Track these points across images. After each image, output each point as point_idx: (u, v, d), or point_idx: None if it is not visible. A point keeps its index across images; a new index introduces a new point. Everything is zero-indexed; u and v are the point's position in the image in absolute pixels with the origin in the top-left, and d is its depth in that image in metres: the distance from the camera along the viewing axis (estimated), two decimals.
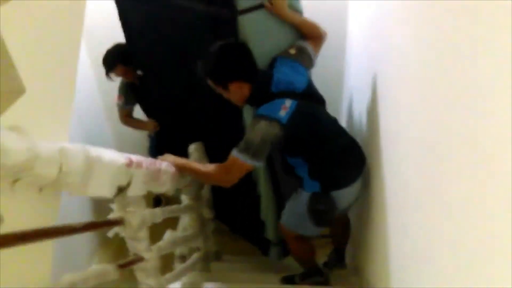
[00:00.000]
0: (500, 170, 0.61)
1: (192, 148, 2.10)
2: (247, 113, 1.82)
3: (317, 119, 1.65)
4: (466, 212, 0.74)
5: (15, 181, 0.78)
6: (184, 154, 1.94)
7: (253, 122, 1.55)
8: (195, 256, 2.07)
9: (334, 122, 1.77)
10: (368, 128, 1.86)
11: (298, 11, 1.83)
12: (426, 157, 0.98)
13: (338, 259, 2.23)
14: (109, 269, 1.09)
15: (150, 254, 1.35)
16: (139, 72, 2.38)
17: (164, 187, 1.52)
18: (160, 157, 1.63)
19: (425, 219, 1.00)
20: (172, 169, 1.57)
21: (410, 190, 1.13)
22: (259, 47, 1.65)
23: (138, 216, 1.25)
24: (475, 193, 0.69)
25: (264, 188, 2.07)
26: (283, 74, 1.64)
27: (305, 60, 1.72)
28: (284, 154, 1.73)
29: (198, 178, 1.77)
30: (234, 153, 1.52)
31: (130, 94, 2.52)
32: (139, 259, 1.32)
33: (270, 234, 2.21)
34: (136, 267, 1.35)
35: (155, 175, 1.40)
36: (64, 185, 0.91)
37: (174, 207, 1.79)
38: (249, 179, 2.12)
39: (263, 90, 1.61)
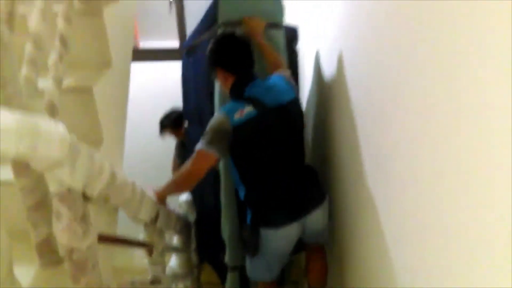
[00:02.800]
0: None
1: (182, 199, 2.44)
2: None
3: (266, 142, 1.61)
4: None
5: (107, 200, 1.12)
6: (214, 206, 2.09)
7: (216, 113, 1.67)
8: None
9: (290, 151, 1.69)
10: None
11: (277, 45, 1.96)
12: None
13: None
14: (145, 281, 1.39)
15: (166, 278, 1.65)
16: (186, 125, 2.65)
17: (172, 226, 1.84)
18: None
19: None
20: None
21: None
22: None
23: (163, 243, 1.57)
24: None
25: (224, 198, 2.01)
26: (267, 82, 1.70)
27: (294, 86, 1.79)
28: (231, 159, 1.69)
29: (178, 186, 1.68)
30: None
31: (181, 150, 2.94)
32: (158, 280, 1.61)
33: (226, 256, 2.08)
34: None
35: (169, 213, 1.73)
36: (128, 207, 1.24)
37: (175, 246, 2.08)
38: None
39: (239, 88, 1.65)
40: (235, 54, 1.69)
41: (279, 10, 2.03)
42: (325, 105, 2.14)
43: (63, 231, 0.84)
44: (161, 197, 1.61)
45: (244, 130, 1.54)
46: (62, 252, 0.86)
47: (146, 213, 1.36)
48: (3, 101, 0.87)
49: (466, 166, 0.72)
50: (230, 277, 2.11)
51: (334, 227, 1.88)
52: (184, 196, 2.43)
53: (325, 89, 2.14)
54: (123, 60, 1.50)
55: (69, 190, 0.83)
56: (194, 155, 1.59)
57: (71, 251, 0.86)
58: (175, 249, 2.18)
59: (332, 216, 1.83)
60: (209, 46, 1.72)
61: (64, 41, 1.12)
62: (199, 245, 2.43)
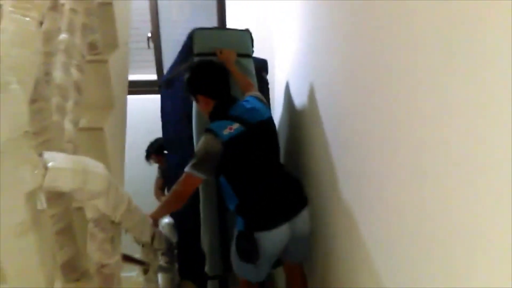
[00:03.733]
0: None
1: (164, 221, 2.60)
2: None
3: (255, 153, 1.76)
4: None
5: (120, 223, 1.30)
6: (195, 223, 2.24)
7: (203, 135, 1.73)
8: None
9: (274, 161, 1.87)
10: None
11: (247, 72, 2.20)
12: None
13: None
14: None
15: None
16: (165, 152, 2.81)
17: (163, 246, 2.01)
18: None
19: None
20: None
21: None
22: None
23: (157, 262, 1.74)
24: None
25: (203, 212, 2.17)
26: (247, 103, 1.85)
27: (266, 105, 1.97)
28: (221, 175, 1.79)
29: (169, 207, 1.85)
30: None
31: (164, 170, 3.12)
32: None
33: (206, 266, 2.22)
34: None
35: (161, 235, 1.91)
36: (135, 229, 1.42)
37: (162, 266, 2.24)
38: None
39: (223, 110, 1.78)
40: (214, 80, 1.83)
41: (248, 42, 2.31)
42: (298, 125, 2.36)
43: (96, 250, 1.02)
44: (155, 219, 1.76)
45: (235, 144, 1.67)
46: (93, 268, 1.04)
47: (147, 235, 1.55)
48: (44, 144, 1.06)
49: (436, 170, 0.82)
50: (211, 286, 2.26)
51: (315, 241, 1.97)
52: (166, 219, 2.60)
53: (297, 113, 2.37)
54: (121, 98, 1.70)
55: (103, 216, 1.01)
56: (182, 177, 1.71)
57: (101, 266, 1.04)
58: (162, 269, 2.34)
59: (312, 230, 1.93)
60: (188, 75, 1.85)
61: (79, 89, 1.31)
62: (180, 261, 2.55)
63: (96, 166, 0.93)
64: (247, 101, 1.88)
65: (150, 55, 3.30)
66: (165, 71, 3.21)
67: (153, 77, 3.40)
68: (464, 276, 0.75)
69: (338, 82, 1.55)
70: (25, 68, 0.87)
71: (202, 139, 1.72)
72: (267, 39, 3.03)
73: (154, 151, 3.05)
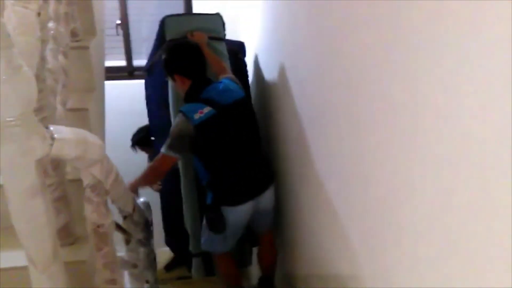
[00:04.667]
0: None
1: (140, 200, 2.74)
2: None
3: (227, 134, 1.82)
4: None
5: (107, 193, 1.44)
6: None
7: (177, 116, 1.82)
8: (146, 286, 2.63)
9: (247, 141, 1.92)
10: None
11: (220, 54, 2.25)
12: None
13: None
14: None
15: (141, 263, 1.98)
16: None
17: (142, 220, 2.17)
18: None
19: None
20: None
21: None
22: None
23: (138, 234, 1.90)
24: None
25: (184, 192, 2.26)
26: (220, 84, 1.89)
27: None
28: (194, 155, 1.89)
29: (146, 180, 2.03)
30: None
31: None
32: (135, 265, 1.93)
33: (190, 244, 2.33)
34: (131, 272, 1.95)
35: (140, 209, 2.06)
36: (120, 200, 1.57)
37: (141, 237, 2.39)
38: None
39: (196, 91, 1.83)
40: (189, 59, 1.87)
41: (219, 25, 2.39)
42: (267, 101, 2.44)
43: (93, 212, 1.18)
44: (133, 189, 1.95)
45: (205, 127, 1.75)
46: (90, 228, 1.19)
47: (129, 207, 1.70)
48: (43, 121, 1.20)
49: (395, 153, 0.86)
50: (195, 263, 2.37)
51: (284, 212, 2.11)
52: (141, 198, 2.73)
53: (265, 87, 2.44)
54: (100, 82, 1.83)
55: (98, 182, 1.17)
56: (158, 156, 1.88)
57: (98, 226, 1.19)
58: (141, 242, 2.49)
59: (282, 202, 2.10)
60: (164, 56, 1.91)
61: (66, 72, 1.45)
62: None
63: (93, 137, 1.08)
64: (220, 82, 1.94)
65: (119, 41, 3.38)
66: (133, 57, 3.31)
67: (122, 63, 3.49)
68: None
69: (306, 58, 1.60)
70: (30, 53, 1.02)
71: (176, 120, 1.84)
72: (234, 21, 3.11)
73: (136, 142, 3.11)
